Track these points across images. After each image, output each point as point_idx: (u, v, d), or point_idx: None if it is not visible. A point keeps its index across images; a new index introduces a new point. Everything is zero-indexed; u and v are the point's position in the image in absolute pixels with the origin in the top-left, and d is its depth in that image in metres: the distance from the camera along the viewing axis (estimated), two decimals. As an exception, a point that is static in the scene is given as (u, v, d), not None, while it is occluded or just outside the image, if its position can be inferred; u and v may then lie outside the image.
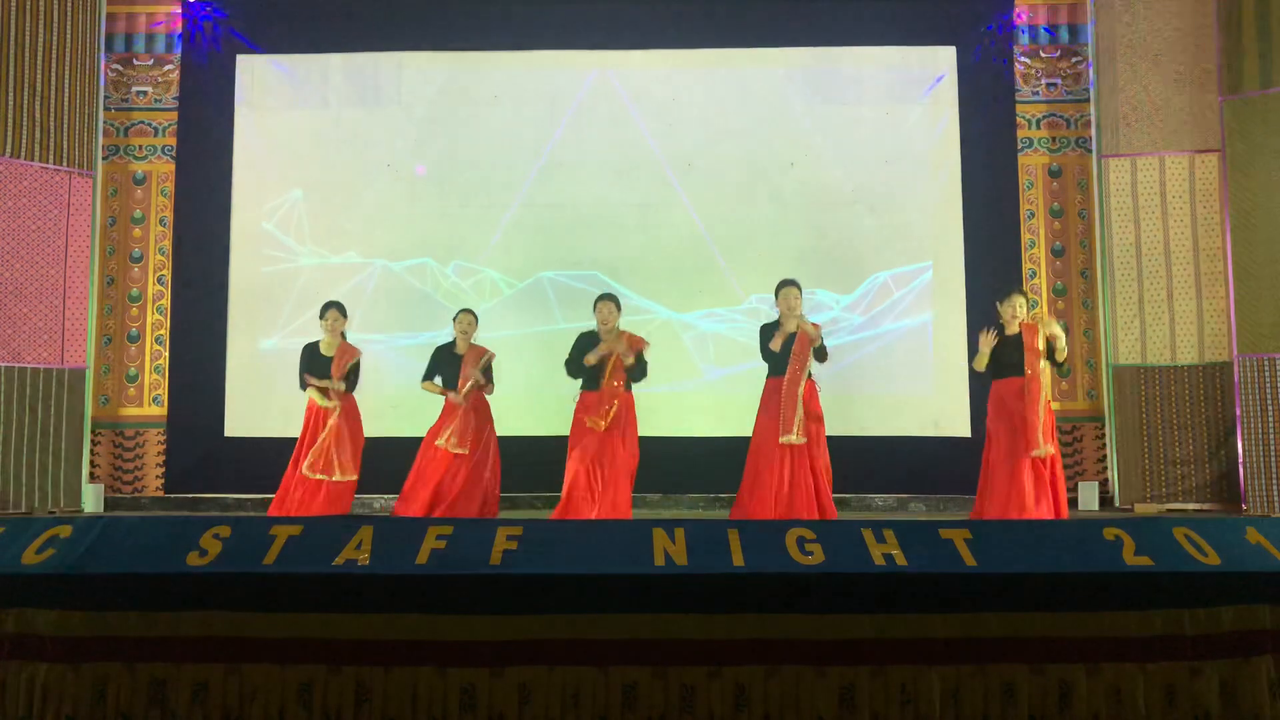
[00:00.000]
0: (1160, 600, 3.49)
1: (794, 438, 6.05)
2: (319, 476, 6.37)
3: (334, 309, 6.57)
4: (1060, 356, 6.08)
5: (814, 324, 6.25)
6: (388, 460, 7.30)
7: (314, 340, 6.62)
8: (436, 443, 6.41)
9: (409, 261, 8.27)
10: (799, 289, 6.31)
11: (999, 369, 6.13)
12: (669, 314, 8.18)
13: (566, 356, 6.37)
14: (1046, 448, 5.93)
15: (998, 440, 6.09)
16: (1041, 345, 6.04)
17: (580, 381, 6.35)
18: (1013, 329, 6.13)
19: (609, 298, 6.43)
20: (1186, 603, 3.49)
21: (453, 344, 6.62)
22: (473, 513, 6.35)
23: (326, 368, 6.47)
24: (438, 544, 3.54)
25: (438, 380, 6.57)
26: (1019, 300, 6.17)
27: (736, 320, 8.14)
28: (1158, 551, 3.56)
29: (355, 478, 6.50)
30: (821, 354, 6.25)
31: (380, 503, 7.59)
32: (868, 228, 8.23)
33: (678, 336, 8.12)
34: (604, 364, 6.24)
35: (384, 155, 8.34)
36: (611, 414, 6.16)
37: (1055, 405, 8.06)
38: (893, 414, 8.03)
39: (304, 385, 6.54)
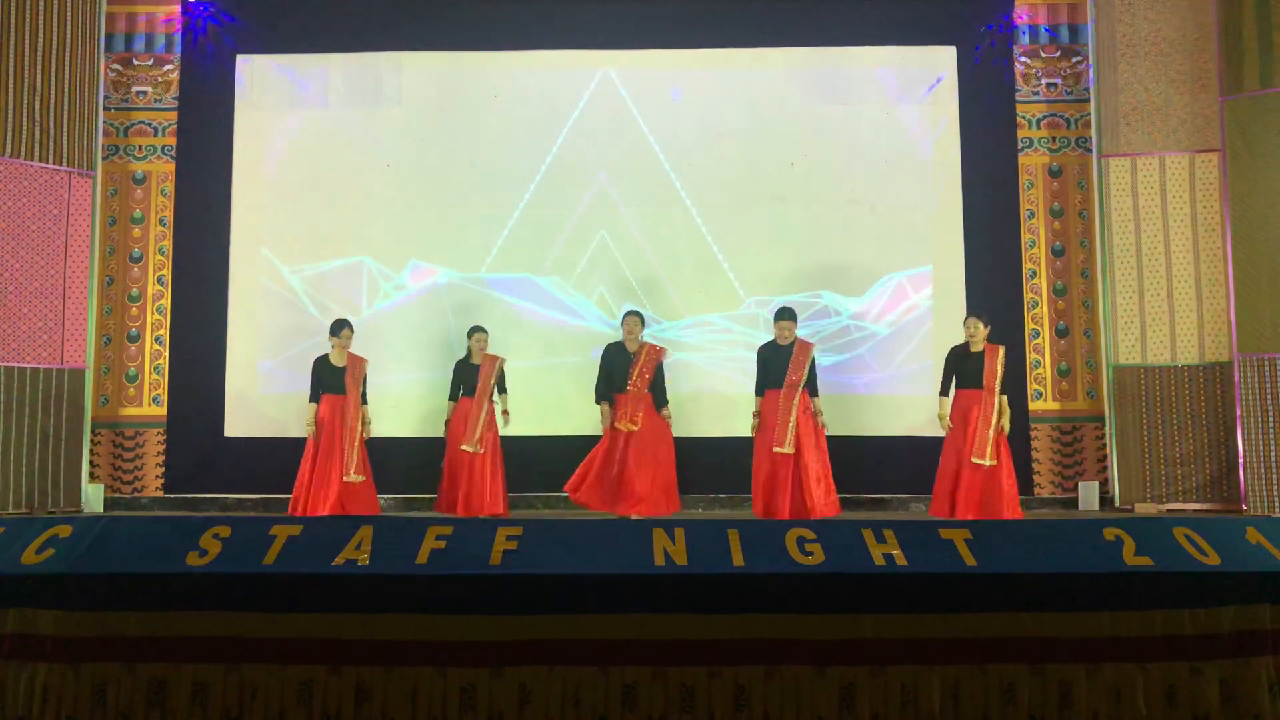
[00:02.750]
0: (1160, 600, 3.48)
1: (785, 448, 6.46)
2: (359, 479, 6.80)
3: (348, 326, 7.01)
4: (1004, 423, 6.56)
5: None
6: (391, 460, 7.31)
7: (323, 354, 6.96)
8: (463, 447, 6.90)
9: (408, 261, 8.27)
10: (792, 320, 6.77)
11: (961, 381, 6.64)
12: (668, 315, 8.18)
13: (596, 378, 6.94)
14: (989, 459, 6.38)
15: (951, 444, 6.58)
16: (999, 370, 6.53)
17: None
18: (976, 348, 6.61)
19: (635, 313, 7.08)
20: (1186, 603, 3.49)
21: (469, 356, 7.15)
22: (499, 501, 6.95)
23: (340, 378, 6.89)
24: (438, 544, 3.54)
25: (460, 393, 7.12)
26: (973, 322, 6.67)
27: (736, 321, 8.15)
28: (1158, 551, 3.56)
29: None
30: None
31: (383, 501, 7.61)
32: (868, 228, 8.22)
33: (677, 337, 8.12)
34: (630, 367, 6.79)
35: (384, 155, 8.34)
36: (640, 415, 6.70)
37: (1055, 405, 8.13)
38: (893, 414, 8.03)
39: (312, 397, 6.88)
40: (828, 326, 8.12)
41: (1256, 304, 7.30)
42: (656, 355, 6.93)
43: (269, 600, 3.44)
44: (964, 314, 8.05)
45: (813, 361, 6.70)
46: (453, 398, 7.10)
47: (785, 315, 6.78)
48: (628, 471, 6.63)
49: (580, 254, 8.23)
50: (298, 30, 8.48)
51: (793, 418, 6.48)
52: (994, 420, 6.43)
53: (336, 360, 6.92)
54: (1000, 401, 6.49)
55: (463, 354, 7.25)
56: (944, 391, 6.69)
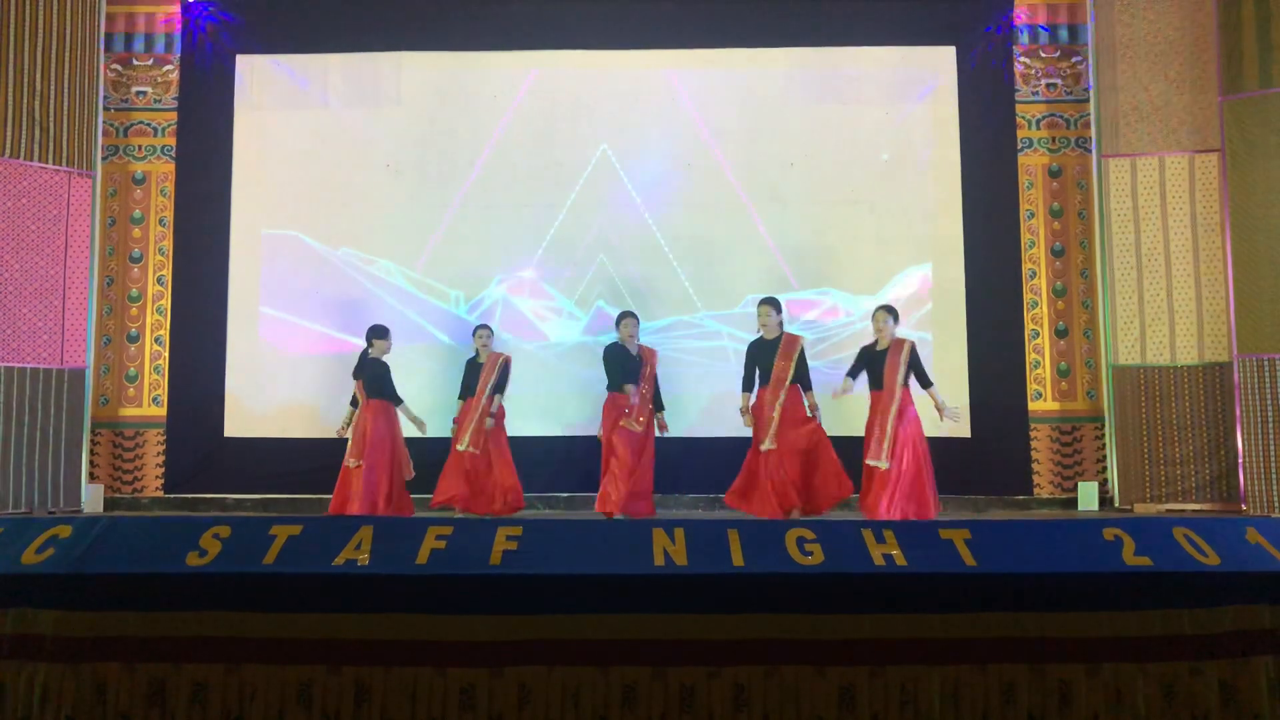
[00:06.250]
0: (1160, 600, 3.48)
1: (767, 444, 6.39)
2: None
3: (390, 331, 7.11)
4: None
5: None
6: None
7: (383, 359, 6.99)
8: (458, 447, 6.92)
9: (409, 261, 8.27)
10: (772, 307, 6.67)
11: (870, 381, 6.43)
12: (668, 315, 8.18)
13: (606, 371, 6.96)
14: (882, 461, 6.12)
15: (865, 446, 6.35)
16: (901, 367, 6.27)
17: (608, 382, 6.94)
18: (882, 345, 6.41)
19: (630, 315, 7.05)
20: (1186, 603, 3.49)
21: (475, 355, 7.20)
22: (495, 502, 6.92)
23: (393, 384, 7.01)
24: (438, 544, 3.54)
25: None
26: (879, 315, 6.47)
27: (735, 321, 8.14)
28: (1158, 551, 3.56)
29: None
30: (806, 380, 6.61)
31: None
32: (868, 228, 8.22)
33: (676, 337, 8.12)
34: (640, 370, 6.85)
35: (384, 155, 8.33)
36: (645, 418, 6.78)
37: (1054, 405, 8.12)
38: (893, 414, 8.02)
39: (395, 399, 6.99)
40: (840, 330, 8.10)
41: (1256, 304, 7.30)
42: (654, 359, 7.01)
43: (269, 600, 3.44)
44: (964, 314, 8.10)
45: (802, 354, 6.57)
46: (461, 397, 7.10)
47: (763, 302, 6.70)
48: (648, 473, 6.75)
49: (579, 253, 8.23)
50: (298, 30, 8.48)
51: (776, 414, 6.39)
52: (890, 421, 6.16)
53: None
54: (931, 396, 6.28)
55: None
56: (854, 375, 6.45)
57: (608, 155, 8.29)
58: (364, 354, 7.02)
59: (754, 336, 6.88)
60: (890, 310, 6.50)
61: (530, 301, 8.22)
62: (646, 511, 6.71)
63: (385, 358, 6.97)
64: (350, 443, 6.82)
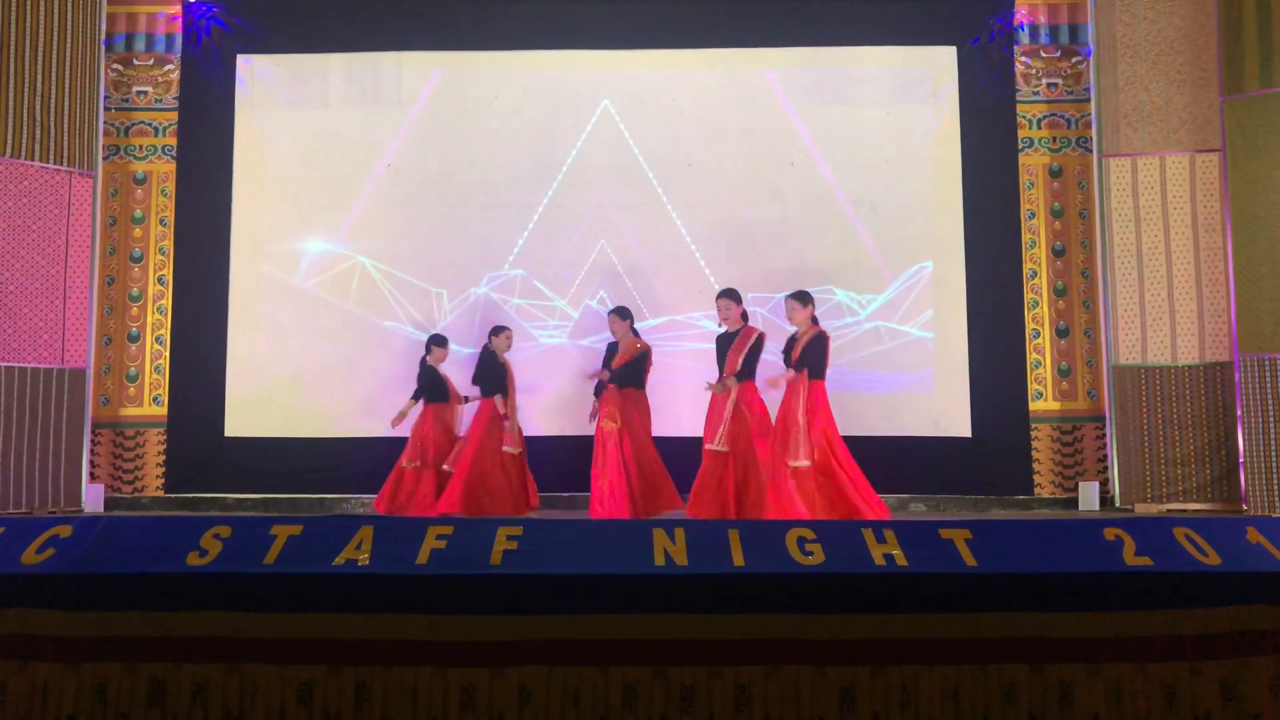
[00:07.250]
0: (1160, 600, 3.48)
1: (715, 445, 6.26)
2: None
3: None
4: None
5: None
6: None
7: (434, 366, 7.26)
8: (507, 449, 6.96)
9: (408, 262, 8.27)
10: (729, 299, 6.53)
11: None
12: (668, 314, 8.18)
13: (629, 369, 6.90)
14: (800, 461, 5.92)
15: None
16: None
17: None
18: (801, 331, 6.34)
19: (615, 311, 7.12)
20: (1186, 603, 3.49)
21: (496, 354, 7.23)
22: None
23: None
24: (438, 544, 3.54)
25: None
26: (788, 304, 6.39)
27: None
28: (1158, 551, 3.55)
29: None
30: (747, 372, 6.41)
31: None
32: (868, 227, 8.22)
33: (676, 337, 8.12)
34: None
35: (384, 155, 8.34)
36: (614, 413, 6.69)
37: (1055, 405, 8.11)
38: (893, 414, 8.02)
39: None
40: (842, 330, 8.09)
41: (1257, 304, 7.30)
42: (630, 352, 6.92)
43: (269, 600, 3.43)
44: (965, 314, 8.10)
45: (753, 349, 6.35)
46: (487, 394, 7.05)
47: (720, 294, 6.60)
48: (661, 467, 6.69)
49: (580, 253, 8.23)
50: (298, 30, 8.49)
51: (727, 411, 6.25)
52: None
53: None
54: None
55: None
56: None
57: (608, 154, 8.29)
58: (423, 360, 7.27)
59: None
60: (797, 296, 6.39)
61: (530, 300, 8.22)
62: (671, 503, 6.62)
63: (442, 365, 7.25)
64: (408, 444, 7.01)
